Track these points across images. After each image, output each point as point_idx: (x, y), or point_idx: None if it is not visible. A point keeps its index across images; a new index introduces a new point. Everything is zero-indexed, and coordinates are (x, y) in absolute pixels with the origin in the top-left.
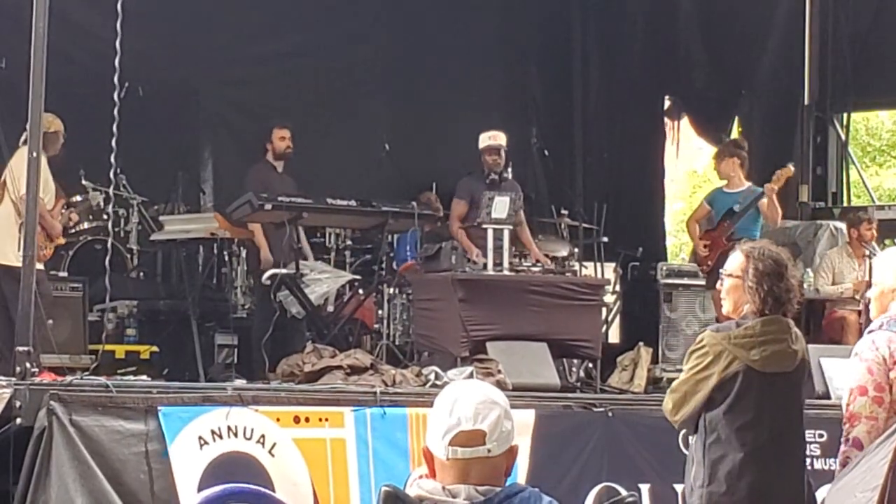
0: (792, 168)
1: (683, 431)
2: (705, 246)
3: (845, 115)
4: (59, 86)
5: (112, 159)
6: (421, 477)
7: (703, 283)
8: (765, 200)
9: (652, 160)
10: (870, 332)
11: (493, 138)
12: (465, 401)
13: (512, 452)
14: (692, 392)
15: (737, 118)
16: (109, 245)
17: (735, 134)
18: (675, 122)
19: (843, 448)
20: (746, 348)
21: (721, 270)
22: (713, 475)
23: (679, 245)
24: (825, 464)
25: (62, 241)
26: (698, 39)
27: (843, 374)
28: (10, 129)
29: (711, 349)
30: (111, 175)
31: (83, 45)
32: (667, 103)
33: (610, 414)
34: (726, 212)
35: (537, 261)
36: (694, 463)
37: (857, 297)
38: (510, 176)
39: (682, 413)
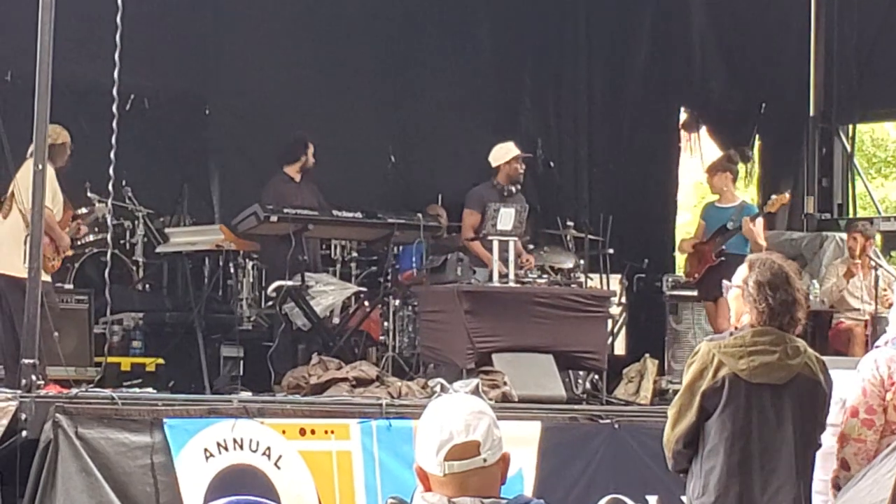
0: (788, 196)
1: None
2: (694, 258)
3: (850, 126)
4: (64, 98)
5: (111, 171)
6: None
7: None
8: (752, 228)
9: (661, 172)
10: (876, 346)
11: (516, 147)
12: (452, 414)
13: (504, 460)
14: (688, 405)
15: (757, 130)
16: (109, 257)
17: (756, 147)
18: (693, 134)
19: (834, 466)
20: (735, 357)
21: (724, 281)
22: (706, 486)
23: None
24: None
25: (70, 252)
26: (714, 52)
27: (845, 386)
28: (19, 141)
29: (703, 358)
30: (110, 186)
31: (89, 56)
32: (683, 115)
33: (616, 426)
34: (719, 228)
35: (529, 264)
36: (693, 476)
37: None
38: (519, 188)
39: (678, 428)
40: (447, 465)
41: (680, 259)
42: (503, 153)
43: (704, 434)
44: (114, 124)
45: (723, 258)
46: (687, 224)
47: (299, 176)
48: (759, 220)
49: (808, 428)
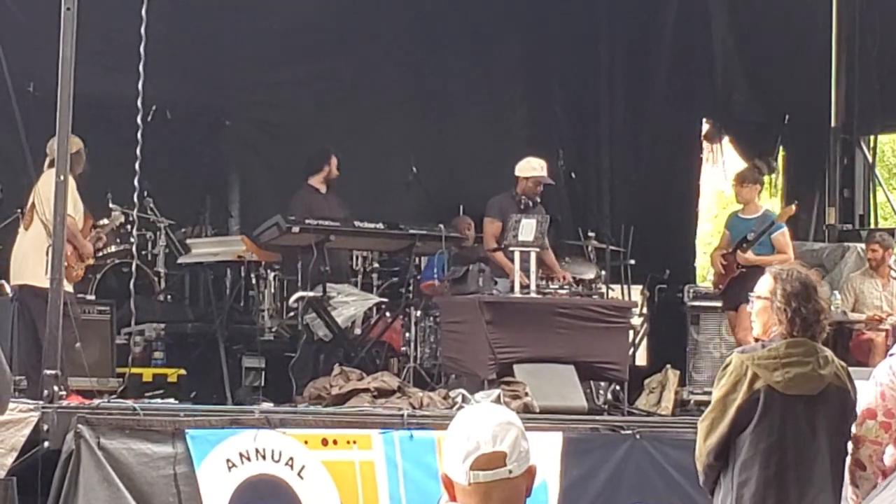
0: (794, 207)
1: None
2: (720, 269)
3: (872, 137)
4: (84, 109)
5: (136, 182)
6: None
7: None
8: (780, 238)
9: (683, 183)
10: (891, 355)
11: (543, 169)
12: (481, 424)
13: (531, 472)
14: (720, 418)
15: (780, 142)
16: (134, 268)
17: (780, 158)
18: (716, 145)
19: (849, 466)
20: (770, 369)
21: (751, 293)
22: (740, 498)
23: (706, 267)
24: None
25: (92, 261)
26: (736, 63)
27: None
28: (37, 153)
29: (737, 371)
30: (135, 198)
31: (109, 68)
32: (705, 126)
33: (637, 436)
34: (741, 239)
35: (565, 280)
36: (722, 488)
37: (881, 325)
38: (539, 200)
39: (710, 440)
40: (472, 475)
41: (703, 269)
42: (526, 168)
43: (736, 447)
44: (139, 135)
45: (744, 269)
46: (708, 234)
47: (324, 187)
48: (785, 230)
49: (838, 437)
